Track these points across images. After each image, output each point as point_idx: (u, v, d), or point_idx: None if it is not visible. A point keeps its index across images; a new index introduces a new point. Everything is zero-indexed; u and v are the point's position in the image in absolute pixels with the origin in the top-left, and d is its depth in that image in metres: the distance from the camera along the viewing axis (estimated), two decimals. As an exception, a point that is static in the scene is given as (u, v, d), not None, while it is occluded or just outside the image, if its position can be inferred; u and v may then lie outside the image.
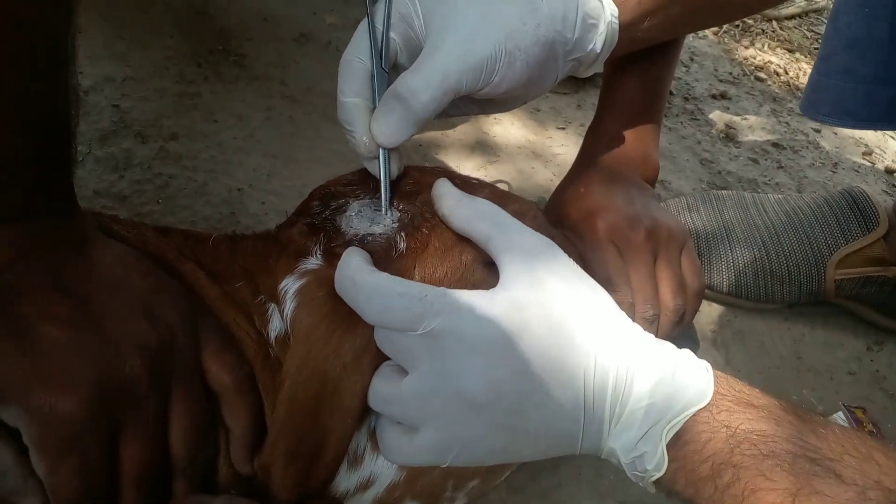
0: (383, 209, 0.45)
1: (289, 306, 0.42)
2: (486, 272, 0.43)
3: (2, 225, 0.35)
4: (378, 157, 0.45)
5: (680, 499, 0.39)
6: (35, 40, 0.35)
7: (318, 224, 0.45)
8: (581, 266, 0.42)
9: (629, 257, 0.54)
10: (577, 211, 0.58)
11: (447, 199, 0.43)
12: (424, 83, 0.44)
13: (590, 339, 0.38)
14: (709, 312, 0.78)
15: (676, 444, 0.37)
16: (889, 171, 1.10)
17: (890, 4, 0.55)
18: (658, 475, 0.38)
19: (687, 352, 0.40)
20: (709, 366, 0.39)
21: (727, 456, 0.36)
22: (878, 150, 1.14)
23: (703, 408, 0.37)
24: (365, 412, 0.41)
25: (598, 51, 0.52)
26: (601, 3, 0.51)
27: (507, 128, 0.94)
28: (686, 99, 1.11)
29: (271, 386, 0.41)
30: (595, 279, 0.41)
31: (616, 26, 0.52)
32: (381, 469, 0.44)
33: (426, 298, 0.38)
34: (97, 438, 0.34)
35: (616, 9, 0.52)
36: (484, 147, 0.91)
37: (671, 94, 1.11)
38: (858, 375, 0.76)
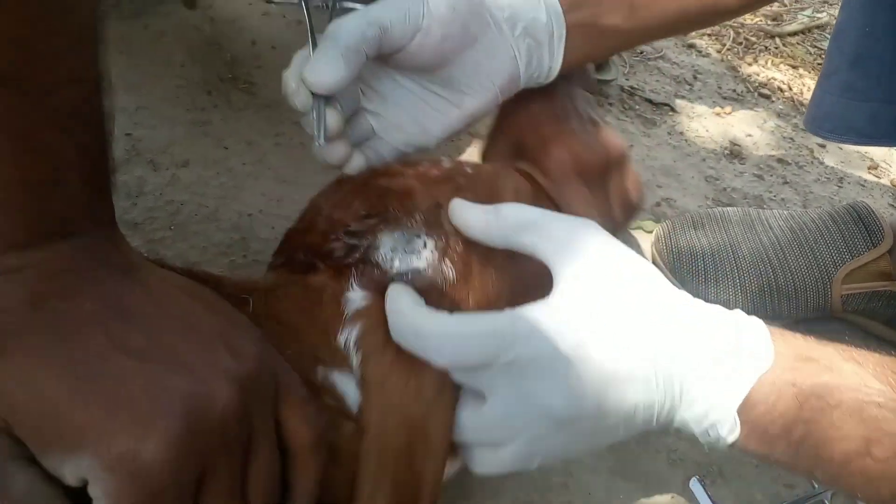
0: (317, 140, 0.44)
1: (353, 359, 0.40)
2: (535, 270, 0.42)
3: (42, 244, 0.30)
4: (312, 111, 0.45)
5: (755, 457, 0.40)
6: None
7: (348, 262, 0.42)
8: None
9: (590, 186, 0.54)
10: (532, 134, 0.56)
11: (471, 221, 0.42)
12: (352, 21, 0.45)
13: (651, 324, 0.39)
14: (716, 329, 0.78)
15: (745, 408, 0.38)
16: (895, 185, 1.10)
17: (891, 23, 0.56)
18: (732, 439, 0.39)
19: (739, 312, 0.41)
20: (763, 324, 0.40)
21: (796, 412, 0.37)
22: (883, 165, 1.15)
23: (767, 370, 0.38)
24: (453, 446, 0.40)
25: (545, 20, 0.53)
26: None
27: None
28: (690, 117, 1.12)
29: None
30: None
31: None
32: None
33: (497, 333, 0.37)
34: (180, 493, 0.29)
35: None
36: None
37: (675, 111, 1.12)
38: (868, 390, 0.76)
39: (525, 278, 0.43)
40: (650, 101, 1.13)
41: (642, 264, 0.41)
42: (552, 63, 0.55)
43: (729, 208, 0.83)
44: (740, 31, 1.42)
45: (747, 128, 1.14)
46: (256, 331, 0.35)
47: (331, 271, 0.42)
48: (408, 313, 0.38)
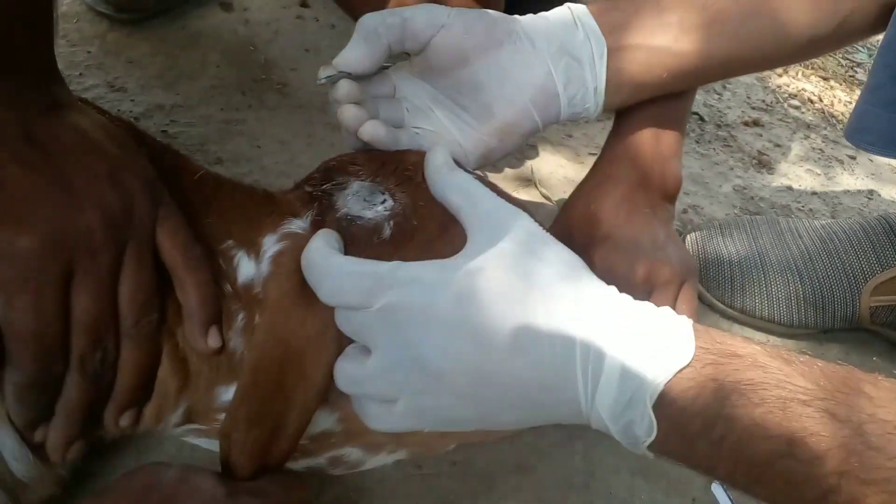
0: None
1: (265, 268, 0.43)
2: None
3: None
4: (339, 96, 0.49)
5: (677, 461, 0.38)
6: None
7: (315, 194, 0.47)
8: None
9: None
10: (581, 234, 0.58)
11: (430, 167, 0.45)
12: (377, 13, 0.49)
13: (552, 301, 0.38)
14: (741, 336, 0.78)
15: (663, 404, 0.36)
16: (927, 199, 1.09)
17: None
18: (649, 440, 0.37)
19: (667, 309, 0.39)
20: (689, 321, 0.38)
21: (718, 409, 0.35)
22: (915, 178, 1.13)
23: (687, 364, 0.36)
24: (328, 387, 0.41)
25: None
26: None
27: (541, 154, 0.96)
28: (719, 126, 1.12)
29: (228, 317, 0.43)
30: None
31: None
32: (316, 418, 0.44)
33: (376, 275, 0.39)
34: (51, 279, 0.37)
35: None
36: (518, 173, 0.92)
37: (704, 120, 1.12)
38: None
39: None
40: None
41: (568, 254, 0.41)
42: (596, 83, 0.54)
43: (758, 216, 0.82)
44: (771, 42, 1.41)
45: (776, 138, 1.13)
46: (146, 169, 0.42)
47: (305, 195, 0.47)
48: (312, 248, 0.41)
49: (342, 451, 0.49)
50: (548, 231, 0.52)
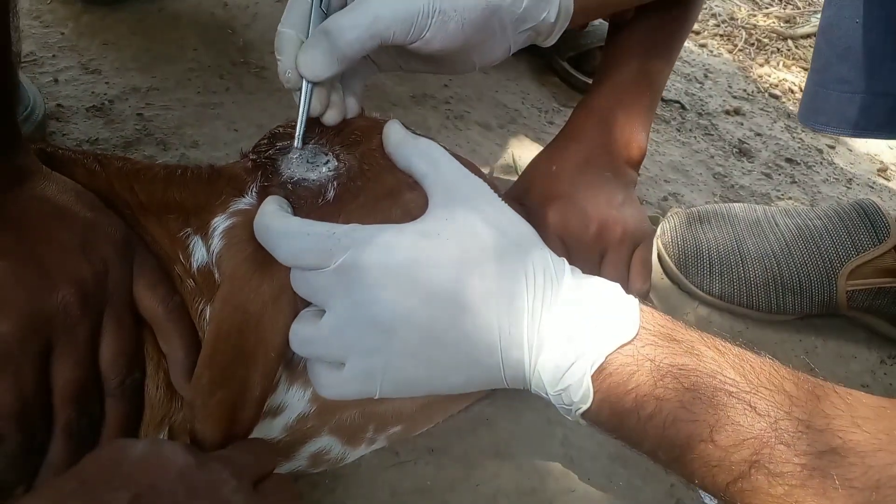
0: (297, 138, 0.47)
1: (216, 243, 0.44)
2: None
3: None
4: (300, 91, 0.46)
5: (605, 430, 0.40)
6: None
7: (259, 162, 0.47)
8: None
9: (573, 254, 0.54)
10: (538, 194, 0.59)
11: (392, 137, 0.46)
12: (352, 23, 0.45)
13: (503, 268, 0.39)
14: (720, 323, 0.78)
15: (601, 376, 0.38)
16: (904, 188, 1.10)
17: (883, 17, 0.56)
18: (584, 407, 0.39)
19: (616, 285, 0.41)
20: (635, 300, 0.40)
21: (650, 388, 0.37)
22: (893, 167, 1.14)
23: (628, 342, 0.38)
24: (286, 350, 0.42)
25: (553, 20, 0.52)
26: None
27: (522, 141, 0.96)
28: (700, 114, 1.12)
29: (195, 315, 0.44)
30: None
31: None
32: (291, 400, 0.46)
33: (334, 235, 0.39)
34: (30, 359, 0.38)
35: None
36: (501, 161, 0.92)
37: (685, 109, 1.12)
38: (872, 388, 0.76)
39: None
40: (661, 99, 1.13)
41: (525, 226, 0.42)
42: (547, 43, 0.54)
43: (735, 204, 0.83)
44: (753, 32, 1.42)
45: (757, 127, 1.14)
46: (116, 228, 0.43)
47: (248, 165, 0.47)
48: (266, 212, 0.42)
49: (320, 441, 0.48)
50: (510, 188, 0.52)
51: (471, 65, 0.53)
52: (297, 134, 0.47)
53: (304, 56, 0.46)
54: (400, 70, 0.54)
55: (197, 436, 0.41)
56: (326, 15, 0.47)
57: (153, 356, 0.44)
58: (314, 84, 0.47)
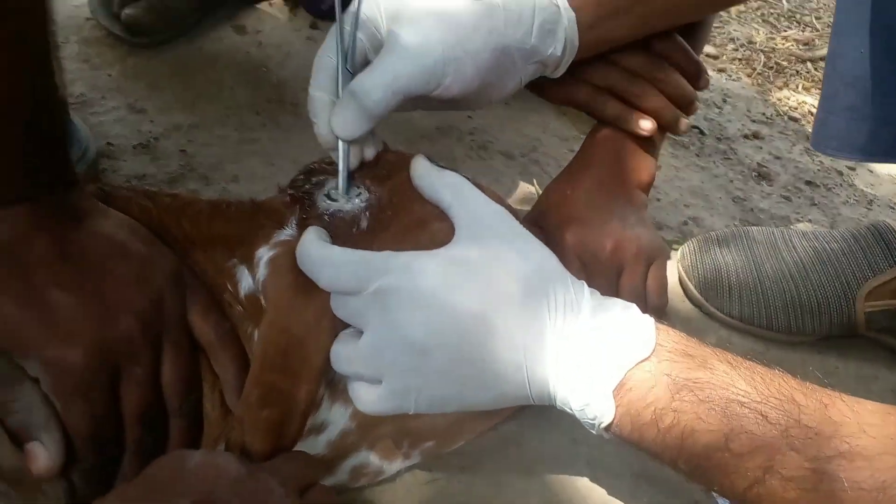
0: (340, 190, 0.50)
1: (261, 272, 0.48)
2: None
3: (11, 207, 0.42)
4: (338, 149, 0.50)
5: (628, 443, 0.43)
6: (24, 26, 0.40)
7: (297, 196, 0.51)
8: None
9: (591, 272, 0.57)
10: (555, 216, 0.62)
11: (419, 170, 0.49)
12: (375, 83, 0.48)
13: (529, 293, 0.43)
14: (741, 344, 0.80)
15: (621, 391, 0.41)
16: (925, 208, 1.11)
17: (888, 48, 0.58)
18: (607, 422, 0.42)
19: (632, 306, 0.44)
20: (651, 320, 0.43)
21: (668, 402, 0.40)
22: (914, 188, 1.15)
23: (646, 358, 0.41)
24: (328, 369, 0.46)
25: (559, 54, 0.56)
26: (558, 8, 0.55)
27: (545, 170, 0.99)
28: (719, 139, 1.15)
29: (244, 338, 0.48)
30: None
31: (575, 31, 0.56)
32: (334, 417, 0.49)
33: (370, 262, 0.43)
34: (99, 385, 0.42)
35: (573, 14, 0.55)
36: (522, 189, 0.95)
37: (704, 134, 1.14)
38: (893, 408, 0.77)
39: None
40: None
41: (546, 252, 0.45)
42: (555, 75, 0.58)
43: (753, 227, 0.85)
44: (771, 55, 1.44)
45: (776, 150, 1.16)
46: (169, 261, 0.46)
47: (289, 198, 0.51)
48: (308, 242, 0.45)
49: (360, 456, 0.52)
50: (528, 211, 0.56)
51: (486, 100, 0.57)
52: (339, 188, 0.50)
53: (336, 119, 0.49)
54: (410, 110, 0.58)
55: (247, 448, 0.45)
56: (353, 73, 0.50)
57: (208, 378, 0.47)
58: (350, 141, 0.50)
